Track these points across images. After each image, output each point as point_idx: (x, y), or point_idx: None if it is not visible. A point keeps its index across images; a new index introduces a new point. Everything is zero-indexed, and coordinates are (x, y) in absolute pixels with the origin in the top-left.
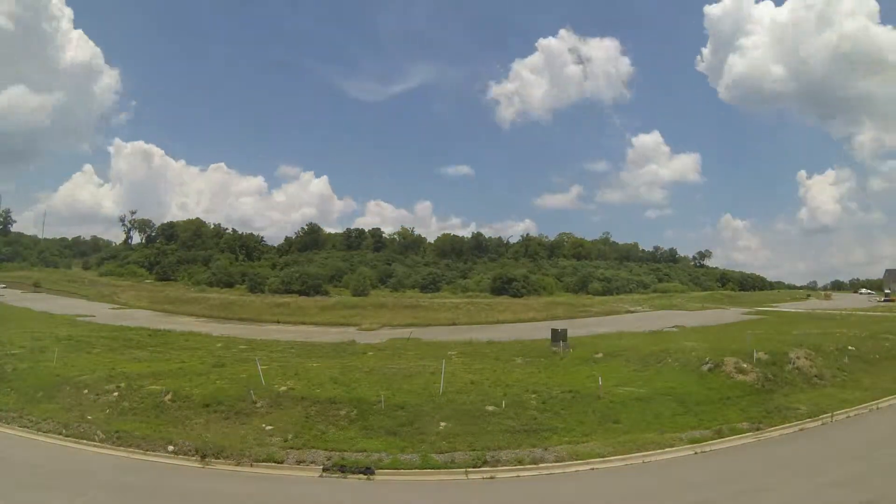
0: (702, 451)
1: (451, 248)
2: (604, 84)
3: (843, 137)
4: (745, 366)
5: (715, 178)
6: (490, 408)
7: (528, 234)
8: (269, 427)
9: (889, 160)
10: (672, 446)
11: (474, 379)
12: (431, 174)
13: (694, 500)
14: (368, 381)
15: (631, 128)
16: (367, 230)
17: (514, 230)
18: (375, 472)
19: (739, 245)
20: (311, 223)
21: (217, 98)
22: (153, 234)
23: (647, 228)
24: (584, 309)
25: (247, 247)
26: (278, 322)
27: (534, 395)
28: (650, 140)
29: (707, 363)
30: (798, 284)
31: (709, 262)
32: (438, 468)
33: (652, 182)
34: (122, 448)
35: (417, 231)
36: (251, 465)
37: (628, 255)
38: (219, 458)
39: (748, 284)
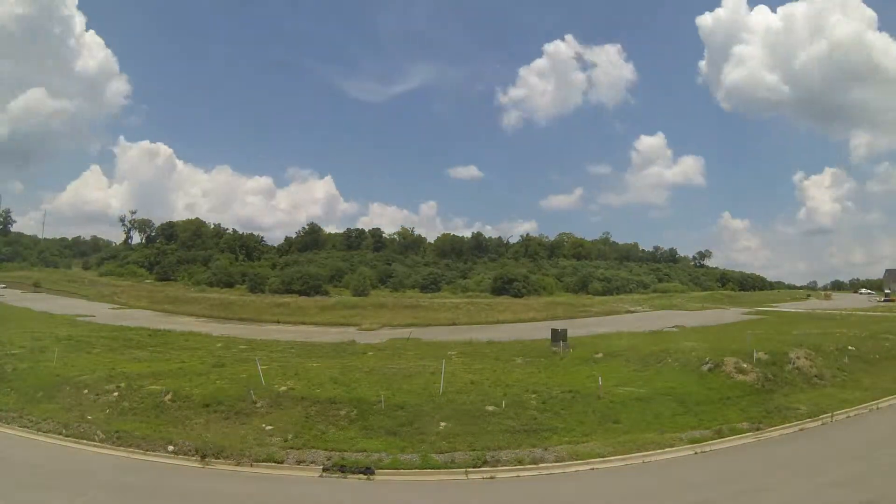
0: (702, 451)
1: (451, 248)
2: (607, 89)
3: (841, 141)
4: (745, 366)
5: (715, 179)
6: (490, 408)
7: (528, 235)
8: (269, 427)
9: (885, 162)
10: (672, 446)
11: (474, 379)
12: (436, 175)
13: (694, 500)
14: (368, 381)
15: (634, 131)
16: (367, 230)
17: (518, 231)
18: (375, 472)
19: (739, 245)
20: (311, 223)
21: (222, 99)
22: (153, 234)
23: (647, 229)
24: (584, 309)
25: (247, 247)
26: (278, 322)
27: (534, 395)
28: (653, 142)
29: (707, 363)
30: (798, 284)
31: (709, 262)
32: (438, 468)
33: (653, 184)
34: (122, 448)
35: (423, 232)
36: (251, 465)
37: (628, 255)
38: (219, 458)
39: (748, 284)
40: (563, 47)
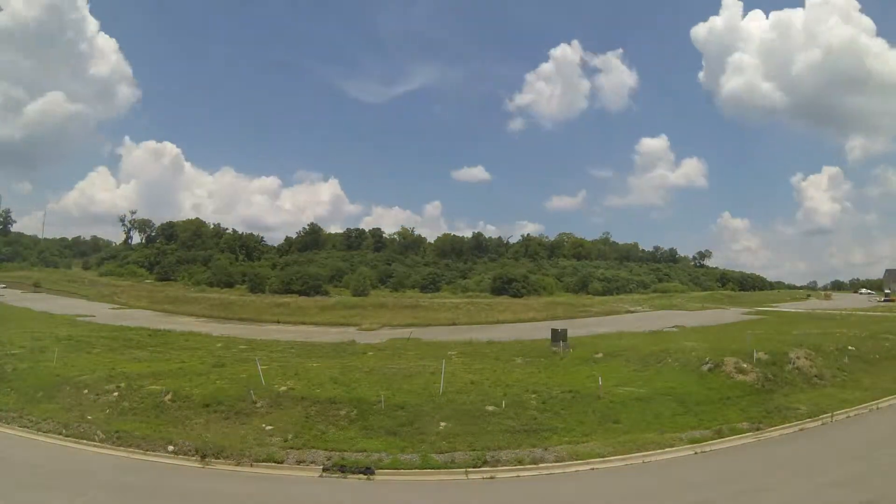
0: (702, 451)
1: (451, 248)
2: (611, 94)
3: (839, 143)
4: (745, 366)
5: (716, 180)
6: (490, 408)
7: (528, 235)
8: (269, 427)
9: (882, 164)
10: (672, 446)
11: (474, 379)
12: (441, 177)
13: (694, 500)
14: (368, 381)
15: (636, 134)
16: (367, 230)
17: (522, 233)
18: (375, 472)
19: (739, 245)
20: (311, 223)
21: (226, 100)
22: (153, 234)
23: (647, 229)
24: (584, 309)
25: (247, 247)
26: (278, 322)
27: (534, 395)
28: (655, 145)
29: (707, 363)
30: (798, 284)
31: (709, 262)
32: (438, 468)
33: (655, 186)
34: (122, 448)
35: (427, 233)
36: (251, 465)
37: (628, 255)
38: (219, 458)
39: (748, 284)
40: (568, 52)
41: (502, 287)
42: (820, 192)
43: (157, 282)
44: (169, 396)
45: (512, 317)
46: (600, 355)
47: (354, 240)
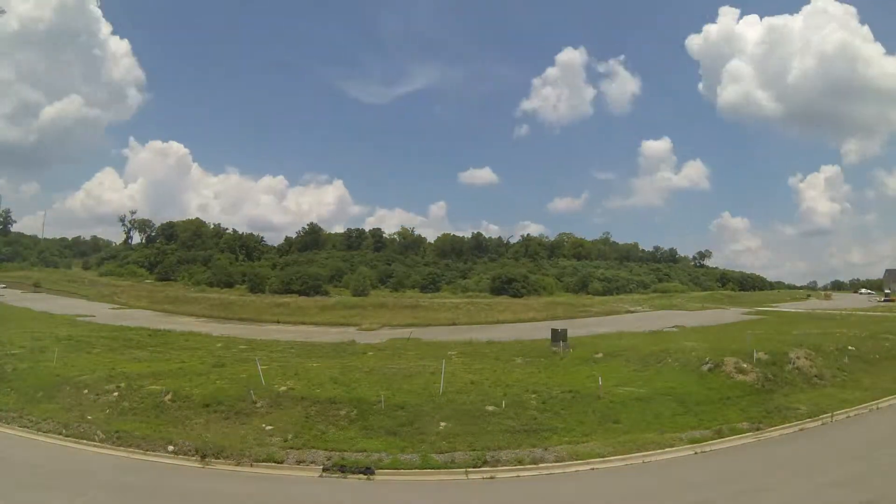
0: (702, 451)
1: (451, 248)
2: (614, 98)
3: (837, 146)
4: (745, 366)
5: (716, 182)
6: (490, 408)
7: (528, 235)
8: (269, 427)
9: (878, 167)
10: (672, 446)
11: (474, 379)
12: (446, 179)
13: (694, 500)
14: (368, 381)
15: (639, 137)
16: (367, 230)
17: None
18: (375, 472)
19: (739, 245)
20: (311, 223)
21: (232, 102)
22: (153, 234)
23: (648, 230)
24: (584, 309)
25: (247, 247)
26: (278, 322)
27: (534, 395)
28: (657, 147)
29: (707, 363)
30: (798, 284)
31: (709, 262)
32: (438, 468)
33: (657, 187)
34: (122, 448)
35: (432, 234)
36: (251, 465)
37: (628, 255)
38: (219, 458)
39: (748, 284)
40: (572, 57)
41: (502, 287)
42: (819, 193)
43: (157, 282)
44: (169, 396)
45: (512, 317)
46: (600, 355)
47: (354, 240)
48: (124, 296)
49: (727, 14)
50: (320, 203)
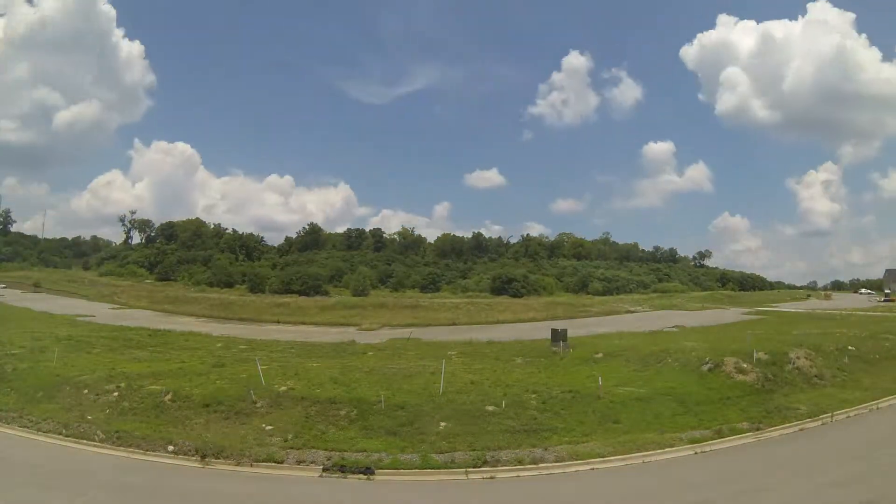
0: (702, 451)
1: (450, 248)
2: (617, 102)
3: (836, 148)
4: (745, 366)
5: (716, 183)
6: (490, 408)
7: (527, 235)
8: (269, 427)
9: (880, 166)
10: (672, 446)
11: (474, 379)
12: (451, 180)
13: (694, 500)
14: (368, 381)
15: (641, 140)
16: (367, 230)
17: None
18: (375, 472)
19: (739, 246)
20: (311, 223)
21: (235, 103)
22: (153, 234)
23: (648, 230)
24: (584, 309)
25: (247, 247)
26: (278, 322)
27: (534, 395)
28: (659, 150)
29: (707, 363)
30: (798, 284)
31: (709, 263)
32: (438, 468)
33: (658, 189)
34: (122, 448)
35: (435, 234)
36: (251, 465)
37: (628, 255)
38: (219, 458)
39: (748, 284)
40: (576, 61)
41: (502, 287)
42: (819, 194)
43: (157, 282)
44: (169, 396)
45: (512, 317)
46: (600, 355)
47: (354, 240)
48: (124, 296)
49: (725, 23)
50: (325, 203)
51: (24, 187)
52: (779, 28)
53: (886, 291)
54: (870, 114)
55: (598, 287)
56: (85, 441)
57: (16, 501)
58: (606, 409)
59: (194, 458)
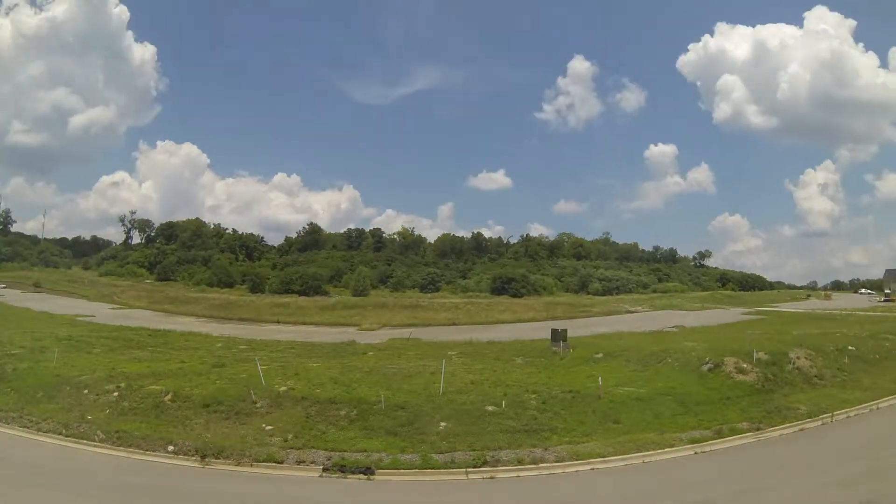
0: (702, 451)
1: (450, 248)
2: (620, 106)
3: (835, 150)
4: (745, 366)
5: (716, 185)
6: (490, 408)
7: (527, 235)
8: (269, 427)
9: (872, 170)
10: (672, 446)
11: (474, 379)
12: (456, 182)
13: (694, 500)
14: (368, 381)
15: (644, 142)
16: (367, 230)
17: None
18: (375, 472)
19: (739, 246)
20: (311, 223)
21: (237, 104)
22: (153, 234)
23: (648, 230)
24: (585, 309)
25: (247, 247)
26: (278, 322)
27: (534, 395)
28: (661, 152)
29: (707, 363)
30: (798, 284)
31: (709, 263)
32: (438, 468)
33: (659, 190)
34: (122, 448)
35: (437, 234)
36: (251, 465)
37: (628, 255)
38: (219, 458)
39: (748, 284)
40: (580, 65)
41: (502, 287)
42: (819, 194)
43: (157, 282)
44: (169, 396)
45: (512, 317)
46: (600, 355)
47: (354, 240)
48: (124, 296)
49: (723, 31)
50: (331, 204)
51: (31, 187)
52: (775, 35)
53: (886, 291)
54: (868, 117)
55: (598, 287)
56: (85, 441)
57: (16, 501)
58: (606, 409)
59: (194, 458)
